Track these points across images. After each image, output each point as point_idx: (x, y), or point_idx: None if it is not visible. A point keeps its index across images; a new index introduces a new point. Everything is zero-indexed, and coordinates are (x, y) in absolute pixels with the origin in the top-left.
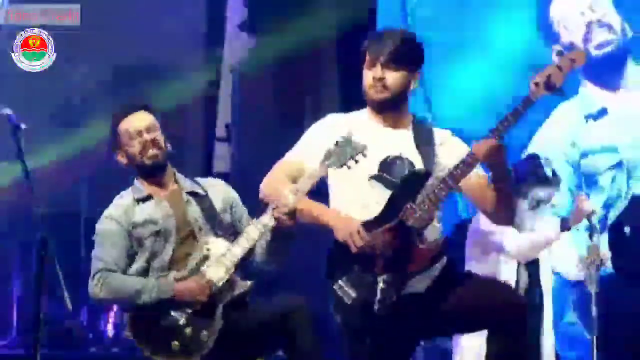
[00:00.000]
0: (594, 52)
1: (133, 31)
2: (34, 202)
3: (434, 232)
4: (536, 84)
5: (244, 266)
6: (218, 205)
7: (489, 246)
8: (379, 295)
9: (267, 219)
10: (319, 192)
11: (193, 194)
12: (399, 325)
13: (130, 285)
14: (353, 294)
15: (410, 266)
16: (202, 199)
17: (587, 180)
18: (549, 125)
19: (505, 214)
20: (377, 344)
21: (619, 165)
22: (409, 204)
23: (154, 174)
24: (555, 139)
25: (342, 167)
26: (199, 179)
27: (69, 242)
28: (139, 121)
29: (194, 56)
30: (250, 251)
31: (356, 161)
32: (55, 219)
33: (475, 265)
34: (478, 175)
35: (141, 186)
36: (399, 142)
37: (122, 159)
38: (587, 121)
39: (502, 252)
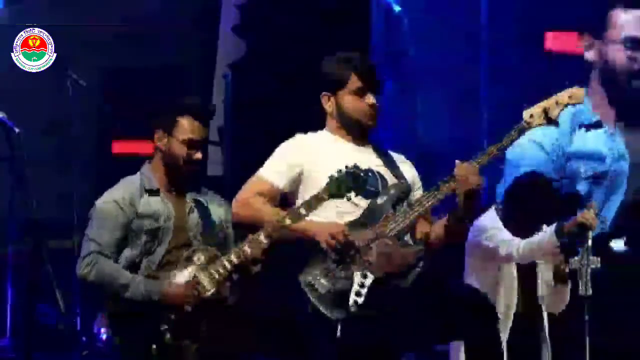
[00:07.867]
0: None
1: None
2: (28, 206)
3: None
4: (531, 115)
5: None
6: (215, 220)
7: (489, 257)
8: (355, 288)
9: (262, 238)
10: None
11: (197, 202)
12: (373, 320)
13: (119, 277)
14: (328, 285)
15: (388, 267)
16: (204, 210)
17: (568, 184)
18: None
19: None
20: (348, 338)
21: (602, 175)
22: (390, 212)
23: (176, 178)
24: (541, 135)
25: (342, 198)
26: (204, 190)
27: (62, 244)
28: (202, 133)
29: (186, 58)
30: (240, 267)
31: (356, 194)
32: (48, 223)
33: (475, 279)
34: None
35: (152, 177)
36: (367, 159)
37: (159, 144)
38: (579, 128)
39: (504, 259)
